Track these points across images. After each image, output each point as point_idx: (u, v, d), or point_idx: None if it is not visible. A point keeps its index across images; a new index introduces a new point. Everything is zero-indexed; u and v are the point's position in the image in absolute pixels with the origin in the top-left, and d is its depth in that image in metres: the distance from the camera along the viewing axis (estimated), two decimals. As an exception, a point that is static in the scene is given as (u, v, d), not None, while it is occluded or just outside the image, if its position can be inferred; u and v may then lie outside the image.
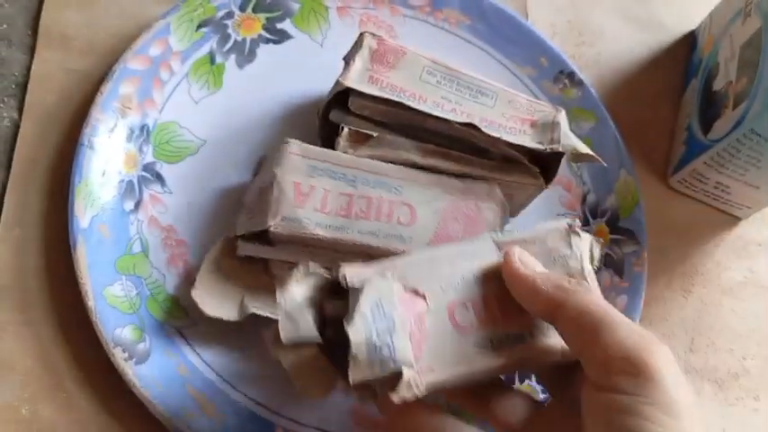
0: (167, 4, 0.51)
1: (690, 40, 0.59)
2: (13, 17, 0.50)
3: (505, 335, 0.34)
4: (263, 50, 0.51)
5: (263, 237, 0.43)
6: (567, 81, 0.53)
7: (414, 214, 0.43)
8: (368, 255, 0.41)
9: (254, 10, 0.52)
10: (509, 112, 0.46)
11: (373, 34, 0.46)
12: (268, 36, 0.52)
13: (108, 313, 0.42)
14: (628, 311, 0.47)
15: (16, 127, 0.47)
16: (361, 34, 0.46)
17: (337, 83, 0.44)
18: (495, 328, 0.35)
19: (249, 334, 0.44)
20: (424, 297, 0.35)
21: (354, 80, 0.44)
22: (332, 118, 0.45)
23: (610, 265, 0.49)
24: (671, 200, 0.54)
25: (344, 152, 0.44)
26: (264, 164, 0.45)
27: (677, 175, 0.53)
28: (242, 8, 0.51)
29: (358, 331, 0.33)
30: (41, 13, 0.50)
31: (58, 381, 0.42)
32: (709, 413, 0.48)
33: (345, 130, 0.44)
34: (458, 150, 0.45)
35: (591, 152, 0.44)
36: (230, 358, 0.44)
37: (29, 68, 0.49)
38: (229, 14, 0.51)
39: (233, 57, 0.51)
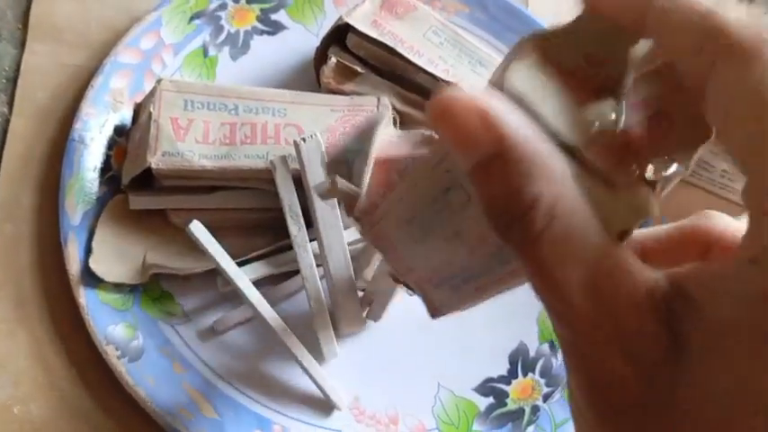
0: (161, -4, 0.50)
1: (694, 26, 0.58)
2: (2, 10, 0.49)
3: None
4: (258, 42, 0.50)
5: (152, 185, 0.42)
6: (568, 69, 0.52)
7: (302, 133, 0.43)
8: (258, 180, 0.42)
9: (248, 1, 0.51)
10: None
11: None
12: (262, 27, 0.51)
13: (100, 310, 0.41)
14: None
15: (7, 122, 0.47)
16: None
17: (340, 18, 0.46)
18: None
19: (246, 329, 0.43)
20: None
21: (357, 19, 0.45)
22: (330, 53, 0.46)
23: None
24: (676, 189, 0.53)
25: (328, 82, 0.45)
26: (141, 110, 0.44)
27: (682, 163, 0.52)
28: (235, -1, 0.51)
29: None
30: (31, 6, 0.49)
31: (52, 379, 0.42)
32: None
33: (333, 59, 0.45)
34: None
35: None
36: (227, 355, 0.43)
37: (19, 63, 0.48)
38: (222, 6, 0.50)
39: (226, 49, 0.50)
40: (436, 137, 0.28)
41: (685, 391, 0.17)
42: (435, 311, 0.28)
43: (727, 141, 0.18)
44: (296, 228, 0.42)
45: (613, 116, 0.19)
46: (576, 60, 0.20)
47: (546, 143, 0.18)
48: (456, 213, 0.22)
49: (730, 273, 0.17)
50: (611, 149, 0.19)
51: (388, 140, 0.35)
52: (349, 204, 0.34)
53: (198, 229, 0.40)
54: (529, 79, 0.19)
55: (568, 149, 0.18)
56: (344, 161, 0.37)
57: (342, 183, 0.36)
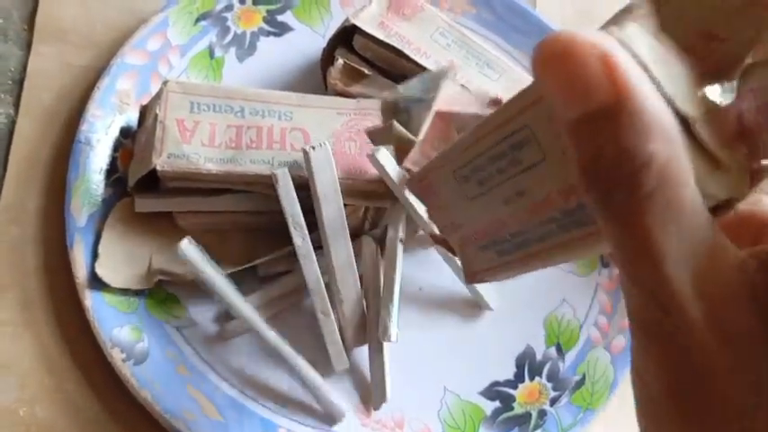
0: (167, -4, 0.50)
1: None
2: (8, 11, 0.49)
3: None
4: (264, 43, 0.50)
5: (158, 187, 0.42)
6: (576, 70, 0.52)
7: (307, 138, 0.43)
8: (264, 184, 0.41)
9: (255, 2, 0.51)
10: (510, 88, 0.45)
11: None
12: (269, 29, 0.51)
13: (106, 313, 0.41)
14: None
15: (13, 124, 0.46)
16: None
17: (346, 19, 0.46)
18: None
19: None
20: None
21: (364, 20, 0.45)
22: (336, 54, 0.46)
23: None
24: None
25: (334, 84, 0.45)
26: (147, 111, 0.44)
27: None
28: (242, 0, 0.50)
29: None
30: (38, 7, 0.49)
31: (57, 382, 0.42)
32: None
33: (340, 61, 0.45)
34: None
35: None
36: (232, 358, 0.43)
37: (25, 64, 0.48)
38: (229, 7, 0.50)
39: (233, 50, 0.50)
40: (504, 100, 0.26)
41: None
42: (472, 276, 0.26)
43: None
44: (300, 239, 0.41)
45: (725, 97, 0.18)
46: (695, 33, 0.19)
47: (663, 102, 0.16)
48: (524, 172, 0.21)
49: None
50: (719, 128, 0.18)
51: (454, 94, 0.34)
52: (401, 151, 0.34)
53: (188, 248, 0.40)
54: (643, 41, 0.18)
55: (679, 118, 0.17)
56: (404, 108, 0.37)
57: (398, 128, 0.36)
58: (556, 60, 0.16)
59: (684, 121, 0.17)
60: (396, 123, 0.36)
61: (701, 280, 0.16)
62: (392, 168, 0.41)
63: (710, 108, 0.18)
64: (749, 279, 0.17)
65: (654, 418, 0.18)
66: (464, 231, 0.25)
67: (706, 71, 0.18)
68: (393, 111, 0.37)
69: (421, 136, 0.34)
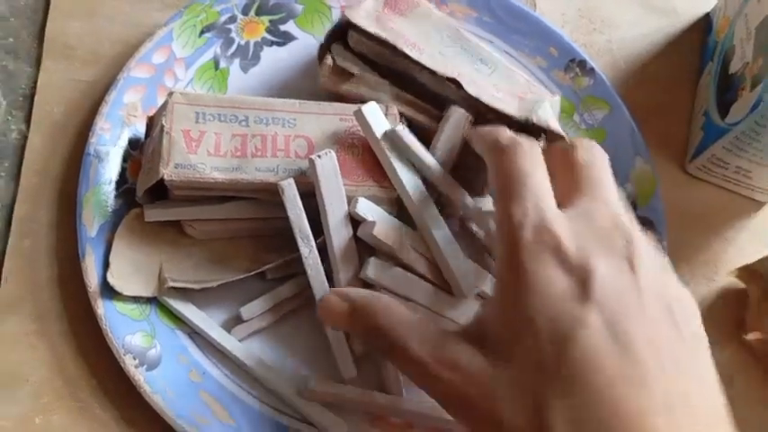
0: (172, 10, 0.51)
1: (704, 23, 0.58)
2: (18, 30, 0.50)
3: None
4: (267, 53, 0.51)
5: (166, 197, 0.43)
6: (578, 70, 0.52)
7: (311, 145, 0.43)
8: (270, 191, 0.42)
9: (257, 13, 0.51)
10: (502, 84, 0.46)
11: None
12: (272, 38, 0.51)
13: (118, 321, 0.42)
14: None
15: (25, 139, 0.47)
16: None
17: (342, 14, 0.46)
18: None
19: (262, 337, 0.44)
20: None
21: (359, 16, 0.46)
22: (332, 51, 0.47)
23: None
24: (690, 186, 0.53)
25: (324, 81, 0.46)
26: (154, 123, 0.45)
27: (696, 161, 0.51)
28: (245, 12, 0.51)
29: None
30: (46, 25, 0.50)
31: (72, 390, 0.42)
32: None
33: (329, 60, 0.46)
34: (439, 109, 0.45)
35: (561, 132, 0.44)
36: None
37: (36, 81, 0.49)
38: (232, 18, 0.51)
39: (237, 61, 0.50)
40: None
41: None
42: None
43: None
44: (307, 250, 0.42)
45: None
46: None
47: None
48: None
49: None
50: None
51: None
52: None
53: (170, 302, 0.43)
54: None
55: None
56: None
57: None
58: (329, 314, 0.37)
59: None
60: None
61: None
62: (378, 125, 0.42)
63: None
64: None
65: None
66: None
67: None
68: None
69: None
